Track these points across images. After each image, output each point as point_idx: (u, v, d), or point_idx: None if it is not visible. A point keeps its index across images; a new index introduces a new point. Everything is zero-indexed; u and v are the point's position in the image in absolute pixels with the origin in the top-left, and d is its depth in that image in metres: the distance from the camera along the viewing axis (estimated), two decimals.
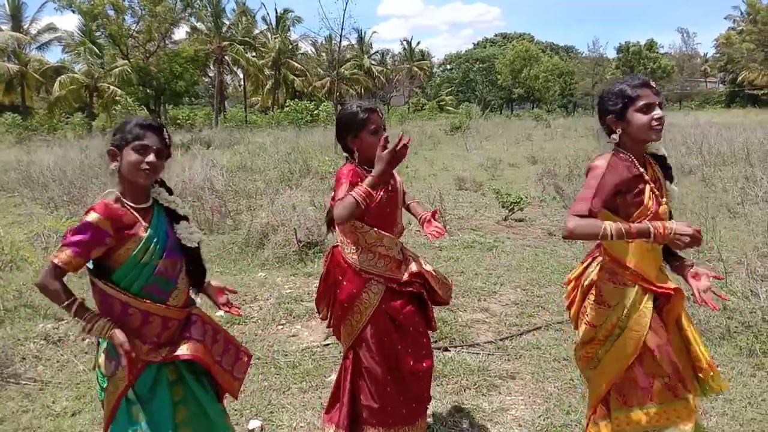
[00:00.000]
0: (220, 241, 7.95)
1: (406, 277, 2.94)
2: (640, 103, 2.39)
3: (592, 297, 2.55)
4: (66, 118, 35.01)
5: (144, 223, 2.28)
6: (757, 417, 3.53)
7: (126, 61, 33.71)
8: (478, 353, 4.48)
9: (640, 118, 2.41)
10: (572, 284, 2.73)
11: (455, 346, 4.60)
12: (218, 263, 7.09)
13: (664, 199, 2.49)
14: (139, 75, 26.25)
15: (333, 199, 2.90)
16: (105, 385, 2.31)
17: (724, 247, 6.65)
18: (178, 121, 37.50)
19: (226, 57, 42.61)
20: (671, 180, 2.60)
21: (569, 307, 2.75)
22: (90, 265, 2.27)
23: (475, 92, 66.86)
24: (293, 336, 4.93)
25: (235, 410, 3.72)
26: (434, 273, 3.09)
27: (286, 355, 4.53)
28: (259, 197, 10.11)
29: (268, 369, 4.29)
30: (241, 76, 48.71)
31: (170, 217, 2.42)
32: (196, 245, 2.47)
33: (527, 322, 5.05)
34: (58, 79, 34.56)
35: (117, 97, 32.30)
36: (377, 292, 2.88)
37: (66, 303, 2.16)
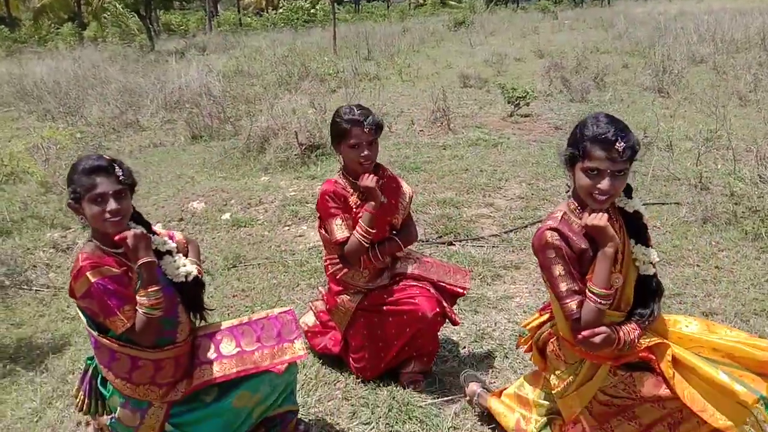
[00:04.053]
0: (221, 147, 7.86)
1: (386, 281, 2.89)
2: (589, 164, 1.96)
3: (551, 346, 2.29)
4: (56, 29, 33.80)
5: (131, 272, 2.11)
6: (759, 297, 3.58)
7: None
8: (482, 246, 4.51)
9: (583, 179, 1.99)
10: (530, 335, 2.44)
11: (460, 241, 4.63)
12: (221, 169, 7.05)
13: (618, 266, 2.07)
14: None
15: (322, 228, 2.85)
16: None
17: (734, 135, 6.51)
18: (171, 27, 36.22)
19: None
20: (646, 242, 2.14)
21: (527, 351, 2.51)
22: (91, 325, 2.14)
23: None
24: (300, 236, 4.96)
25: (246, 307, 3.81)
26: (433, 265, 2.97)
27: (294, 254, 4.58)
28: (258, 102, 9.89)
29: (277, 267, 4.35)
30: None
31: (156, 254, 2.19)
32: (185, 279, 2.26)
33: (532, 215, 5.04)
34: None
35: (106, 4, 30.97)
36: (353, 300, 2.88)
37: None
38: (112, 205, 2.03)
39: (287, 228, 5.16)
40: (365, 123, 2.63)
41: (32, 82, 13.03)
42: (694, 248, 4.26)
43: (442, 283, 2.90)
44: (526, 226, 4.81)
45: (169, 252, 2.26)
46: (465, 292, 2.98)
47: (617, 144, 1.91)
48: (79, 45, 25.65)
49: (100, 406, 2.34)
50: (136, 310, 2.07)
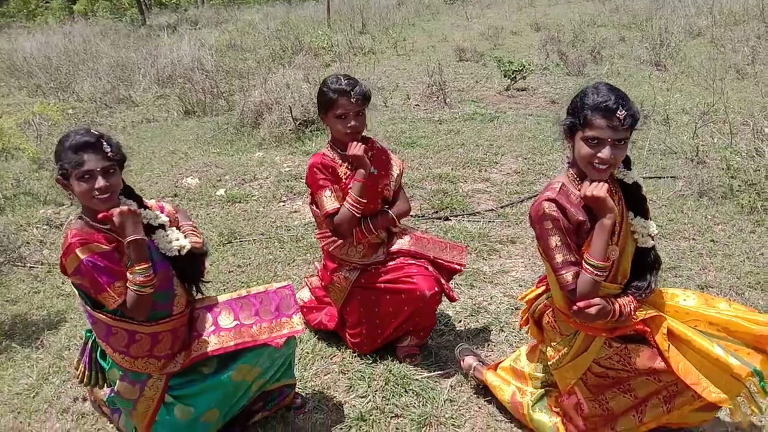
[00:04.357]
0: (215, 122, 7.79)
1: (382, 257, 2.87)
2: (589, 133, 1.94)
3: (547, 318, 2.30)
4: (45, 3, 33.22)
5: (122, 248, 2.08)
6: (753, 270, 3.59)
7: None
8: (478, 221, 4.50)
9: (583, 148, 1.97)
10: (526, 307, 2.45)
11: (456, 216, 4.61)
12: (214, 144, 7.00)
13: (615, 238, 2.06)
14: None
15: (313, 203, 2.83)
16: (130, 408, 2.26)
17: (731, 109, 6.48)
18: (163, 1, 35.66)
19: None
20: (645, 214, 2.13)
21: (524, 324, 2.52)
22: (86, 300, 2.12)
23: None
24: (295, 212, 4.94)
25: (242, 283, 3.80)
26: (429, 241, 2.94)
27: (289, 229, 4.56)
28: (251, 77, 9.76)
29: (272, 243, 4.33)
30: None
31: (147, 229, 2.17)
32: (178, 253, 2.23)
33: (528, 190, 5.03)
34: None
35: None
36: (348, 277, 2.87)
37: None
38: (100, 182, 2.00)
39: (282, 204, 5.13)
40: (352, 93, 2.60)
41: (22, 58, 12.83)
42: (689, 222, 4.26)
43: (439, 260, 2.89)
44: (522, 201, 4.80)
45: (162, 226, 2.23)
46: (462, 268, 2.97)
47: (618, 112, 1.89)
48: (69, 19, 25.25)
49: (100, 379, 2.34)
50: (128, 286, 2.06)
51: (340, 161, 2.75)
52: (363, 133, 2.75)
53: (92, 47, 14.10)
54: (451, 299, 2.96)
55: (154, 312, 2.18)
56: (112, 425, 2.60)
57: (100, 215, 2.02)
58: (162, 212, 2.29)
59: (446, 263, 2.91)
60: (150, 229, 2.19)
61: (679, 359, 2.01)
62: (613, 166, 2.00)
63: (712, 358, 1.96)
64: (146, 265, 2.05)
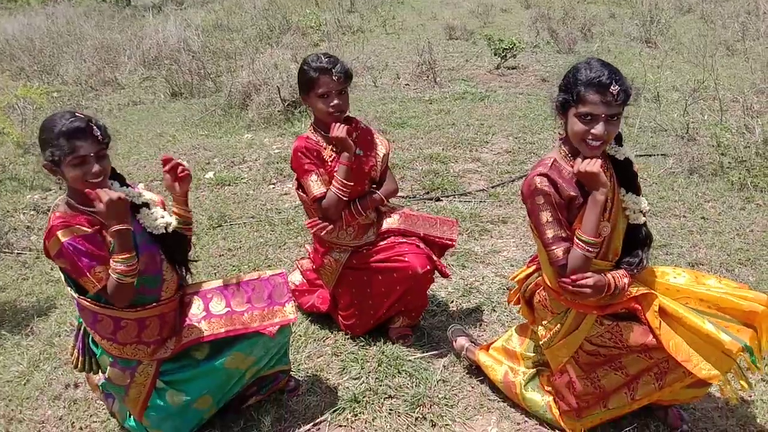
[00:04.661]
0: (202, 104, 7.69)
1: (373, 238, 2.85)
2: (583, 109, 1.93)
3: (538, 297, 2.32)
4: None
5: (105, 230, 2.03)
6: (743, 247, 3.62)
7: None
8: (469, 201, 4.49)
9: (576, 125, 1.96)
10: (518, 287, 2.46)
11: (447, 196, 4.60)
12: (202, 126, 6.91)
13: (607, 215, 2.05)
14: None
15: (298, 189, 2.80)
16: (122, 394, 2.24)
17: (721, 86, 6.47)
18: None
19: None
20: (636, 190, 2.13)
21: (515, 304, 2.54)
22: (71, 286, 2.09)
23: None
24: (285, 194, 4.90)
25: (233, 266, 3.78)
26: (419, 218, 2.92)
27: (280, 212, 4.53)
28: (238, 57, 9.64)
29: (263, 226, 4.30)
30: None
31: (131, 208, 2.14)
32: (164, 231, 2.20)
33: (519, 169, 5.01)
34: None
35: None
36: (339, 259, 2.84)
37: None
38: (95, 167, 1.97)
39: (272, 186, 5.09)
40: (334, 71, 2.55)
41: (4, 40, 12.56)
42: (680, 199, 4.27)
43: (429, 237, 2.88)
44: (513, 180, 4.79)
45: (146, 204, 2.20)
46: (453, 243, 2.96)
47: (611, 87, 1.89)
48: (51, 0, 24.77)
49: (94, 364, 2.33)
50: (109, 273, 2.03)
51: (324, 144, 2.71)
52: (346, 113, 2.71)
53: (76, 29, 13.83)
54: (444, 275, 2.95)
55: (142, 297, 2.15)
56: (105, 410, 2.60)
57: (87, 190, 1.98)
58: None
59: (437, 239, 2.89)
60: (134, 208, 2.17)
61: (670, 336, 2.01)
62: (606, 142, 1.99)
63: (703, 334, 1.97)
64: (128, 255, 2.02)
